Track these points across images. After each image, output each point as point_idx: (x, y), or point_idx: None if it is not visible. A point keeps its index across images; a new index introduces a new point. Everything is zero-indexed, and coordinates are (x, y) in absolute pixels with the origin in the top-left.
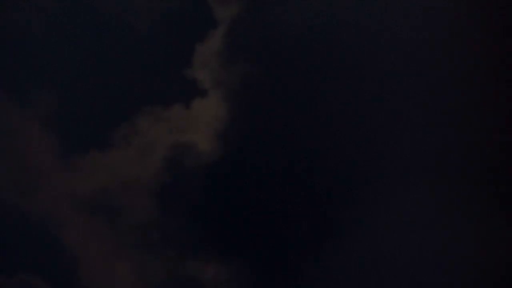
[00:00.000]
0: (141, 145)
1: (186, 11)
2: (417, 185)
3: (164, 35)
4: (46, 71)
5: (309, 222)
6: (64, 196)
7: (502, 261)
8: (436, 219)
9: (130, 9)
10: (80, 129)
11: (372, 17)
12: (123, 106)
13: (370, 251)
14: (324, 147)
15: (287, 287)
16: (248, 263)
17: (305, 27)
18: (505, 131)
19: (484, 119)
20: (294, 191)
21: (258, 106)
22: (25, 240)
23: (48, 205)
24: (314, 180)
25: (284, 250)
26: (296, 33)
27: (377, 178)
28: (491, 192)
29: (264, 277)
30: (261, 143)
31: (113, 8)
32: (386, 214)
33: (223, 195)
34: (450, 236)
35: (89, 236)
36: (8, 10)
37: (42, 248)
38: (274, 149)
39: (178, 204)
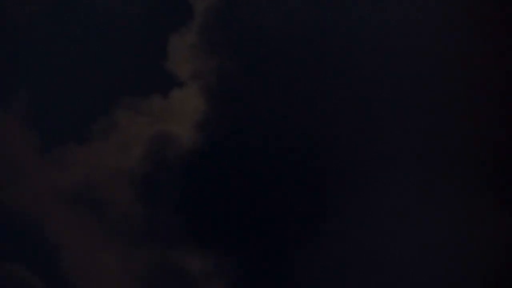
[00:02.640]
0: (121, 137)
1: (163, 2)
2: (417, 183)
3: (140, 27)
4: (22, 66)
5: (295, 211)
6: (46, 190)
7: (501, 258)
8: (435, 216)
9: (106, 1)
10: (59, 123)
11: (359, 10)
12: (102, 98)
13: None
14: (303, 137)
15: (274, 278)
16: (234, 254)
17: (283, 19)
18: (504, 131)
19: (484, 118)
20: (275, 180)
21: (237, 97)
22: (9, 234)
23: (30, 199)
24: (294, 169)
25: (270, 240)
26: (273, 24)
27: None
28: (491, 190)
29: (251, 268)
30: (241, 133)
31: (88, 1)
32: (384, 210)
33: (205, 185)
34: (448, 233)
35: (72, 229)
36: None
37: (26, 241)
38: (253, 138)
39: (161, 195)
